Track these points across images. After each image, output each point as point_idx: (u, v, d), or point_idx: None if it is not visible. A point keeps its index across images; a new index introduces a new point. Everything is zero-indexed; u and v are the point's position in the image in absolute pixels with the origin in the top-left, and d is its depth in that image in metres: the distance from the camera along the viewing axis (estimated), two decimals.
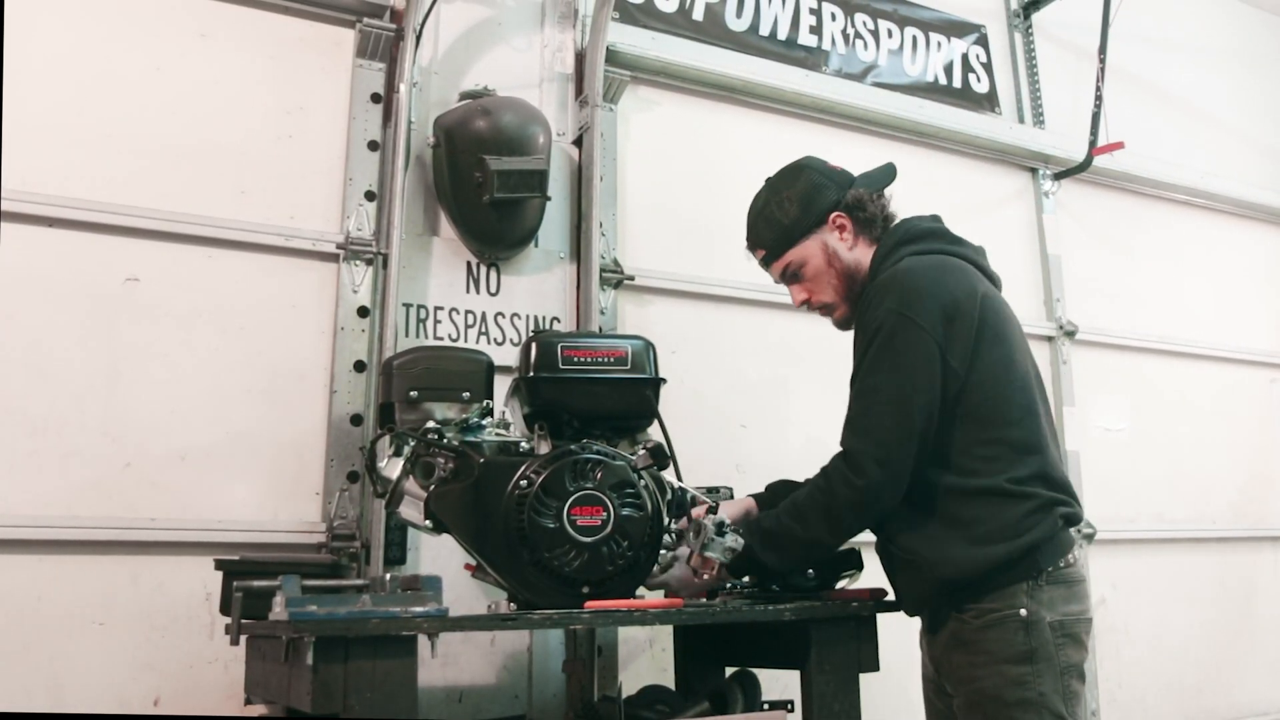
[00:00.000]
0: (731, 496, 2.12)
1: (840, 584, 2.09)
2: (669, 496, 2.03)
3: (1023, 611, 1.78)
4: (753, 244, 2.11)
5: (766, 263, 2.10)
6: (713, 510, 1.93)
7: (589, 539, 1.88)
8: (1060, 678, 1.78)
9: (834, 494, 1.87)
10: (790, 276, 2.07)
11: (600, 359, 2.05)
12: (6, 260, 2.22)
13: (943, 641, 1.89)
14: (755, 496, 2.13)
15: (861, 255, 2.03)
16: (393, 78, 2.70)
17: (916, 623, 1.99)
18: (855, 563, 2.08)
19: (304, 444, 2.49)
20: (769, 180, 2.11)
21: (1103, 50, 3.79)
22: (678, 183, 3.15)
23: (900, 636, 2.06)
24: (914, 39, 3.71)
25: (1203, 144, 4.43)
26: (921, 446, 1.84)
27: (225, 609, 1.94)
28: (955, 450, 1.86)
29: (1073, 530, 1.89)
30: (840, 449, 1.89)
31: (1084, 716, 1.95)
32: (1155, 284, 4.15)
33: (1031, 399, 1.94)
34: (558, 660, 2.60)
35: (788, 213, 2.04)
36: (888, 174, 2.11)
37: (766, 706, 2.06)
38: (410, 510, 1.98)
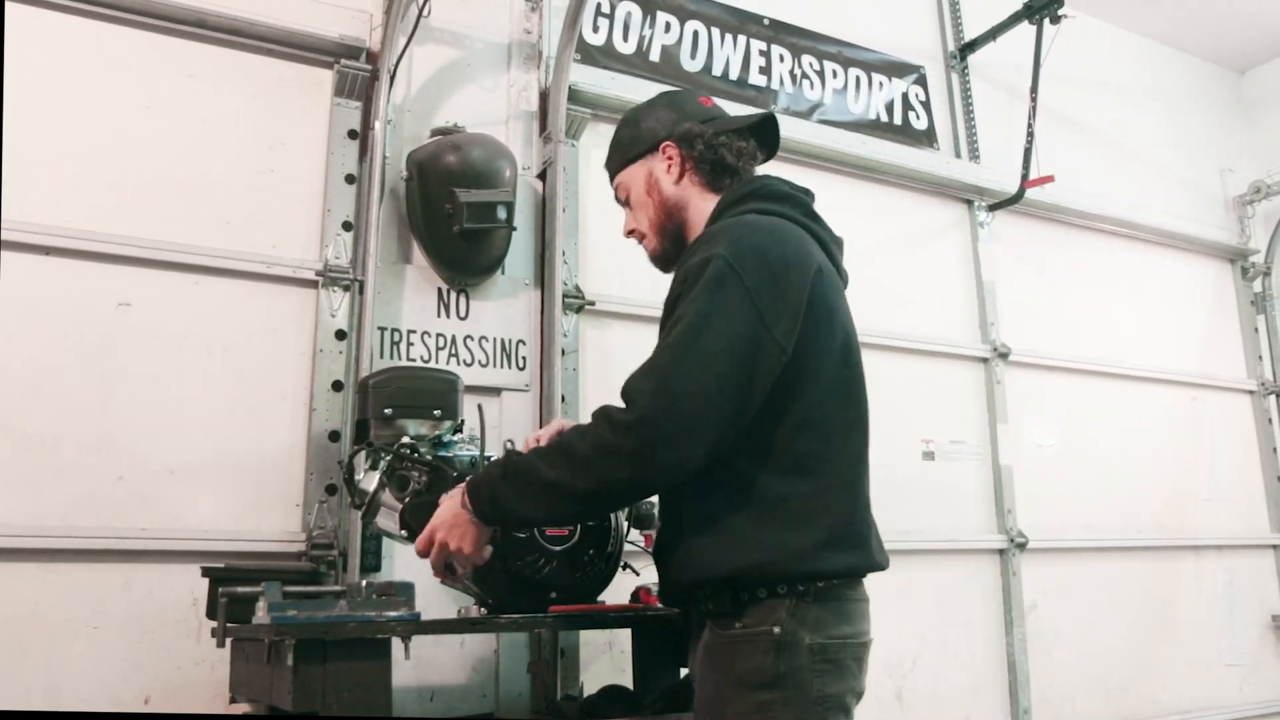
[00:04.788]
0: None
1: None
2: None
3: (776, 630, 1.52)
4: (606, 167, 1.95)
5: (612, 186, 1.93)
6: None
7: (558, 548, 1.96)
8: (813, 707, 1.51)
9: (591, 431, 1.54)
10: (623, 202, 1.90)
11: None
12: (5, 287, 2.27)
13: (698, 654, 1.64)
14: None
15: (689, 193, 1.80)
16: (369, 115, 2.76)
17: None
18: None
19: (285, 459, 2.54)
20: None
21: (1034, 89, 3.85)
22: None
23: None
24: (857, 79, 3.80)
25: (1128, 177, 4.55)
26: (729, 415, 1.51)
27: (211, 613, 2.00)
28: (755, 445, 1.57)
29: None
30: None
31: None
32: (1084, 308, 4.25)
33: (862, 414, 1.68)
34: (523, 661, 2.65)
35: (627, 136, 1.88)
36: (755, 121, 1.84)
37: None
38: (386, 521, 2.03)
